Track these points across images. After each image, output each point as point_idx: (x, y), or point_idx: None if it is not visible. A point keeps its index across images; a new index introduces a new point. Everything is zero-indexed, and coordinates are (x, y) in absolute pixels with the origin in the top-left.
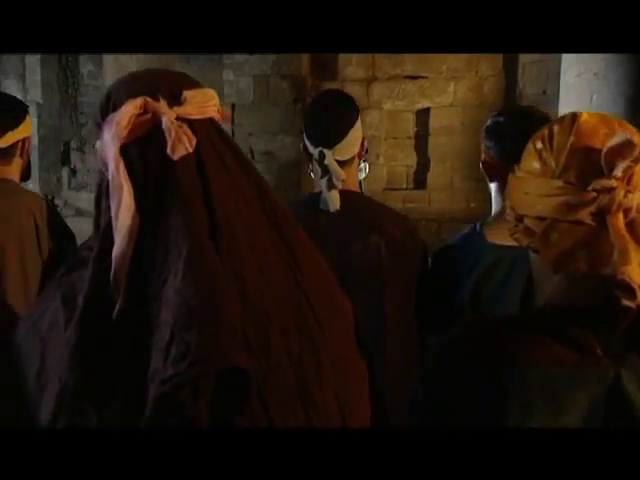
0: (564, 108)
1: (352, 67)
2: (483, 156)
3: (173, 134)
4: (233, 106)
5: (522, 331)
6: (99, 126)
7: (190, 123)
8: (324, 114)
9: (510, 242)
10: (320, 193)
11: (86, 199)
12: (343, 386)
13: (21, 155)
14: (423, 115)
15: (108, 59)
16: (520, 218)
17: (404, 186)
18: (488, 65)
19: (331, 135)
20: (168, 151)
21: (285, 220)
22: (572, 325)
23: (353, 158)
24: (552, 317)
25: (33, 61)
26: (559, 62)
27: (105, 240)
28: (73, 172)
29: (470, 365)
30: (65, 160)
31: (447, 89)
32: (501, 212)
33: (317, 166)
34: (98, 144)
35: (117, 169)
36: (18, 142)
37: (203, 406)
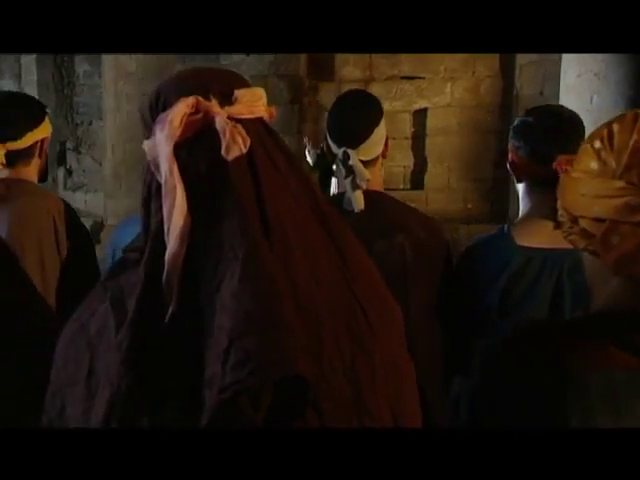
0: None
1: (349, 67)
2: (510, 156)
3: (228, 135)
4: None
5: (581, 335)
6: (147, 125)
7: (241, 123)
8: (348, 114)
9: (539, 244)
10: (343, 193)
11: (82, 199)
12: (395, 392)
13: (39, 156)
14: (420, 115)
15: (107, 59)
16: (575, 219)
17: (401, 187)
18: (485, 66)
19: (355, 135)
20: (222, 152)
21: (334, 221)
22: (633, 328)
23: (377, 158)
24: (611, 320)
25: (29, 61)
26: (556, 63)
27: (156, 242)
28: (69, 172)
29: (529, 367)
30: (61, 160)
31: (444, 90)
32: (529, 213)
33: (341, 166)
34: (146, 144)
35: (170, 170)
36: (37, 143)
37: (262, 413)
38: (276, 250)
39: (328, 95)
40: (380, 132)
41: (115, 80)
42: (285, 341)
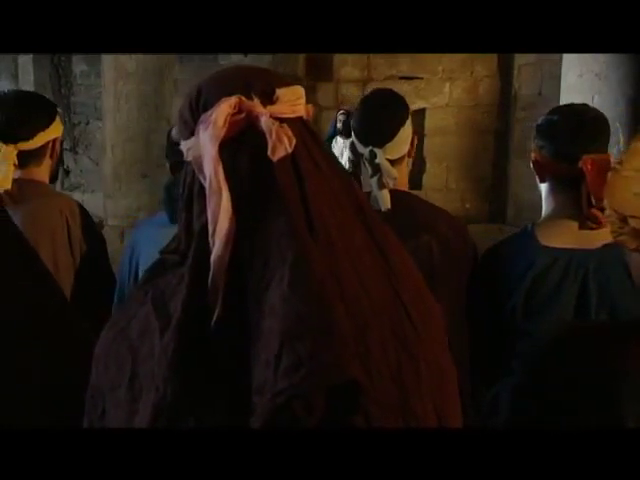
0: None
1: (348, 68)
2: (534, 155)
3: (274, 135)
4: None
5: (636, 335)
6: (186, 125)
7: (284, 122)
8: (375, 113)
9: (564, 244)
10: (369, 193)
11: (79, 199)
12: (440, 395)
13: (51, 156)
14: (418, 116)
15: (107, 59)
16: (624, 219)
17: None
18: (483, 66)
19: (382, 134)
20: (269, 152)
21: (376, 222)
22: None
23: (403, 157)
24: None
25: (26, 61)
26: (554, 63)
27: (200, 245)
28: (66, 172)
29: (582, 367)
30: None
31: (442, 90)
32: (553, 213)
33: (367, 165)
34: (185, 144)
35: (215, 171)
36: (48, 143)
37: (315, 418)
38: (321, 252)
39: (326, 95)
40: (406, 131)
41: (115, 80)
42: (338, 345)
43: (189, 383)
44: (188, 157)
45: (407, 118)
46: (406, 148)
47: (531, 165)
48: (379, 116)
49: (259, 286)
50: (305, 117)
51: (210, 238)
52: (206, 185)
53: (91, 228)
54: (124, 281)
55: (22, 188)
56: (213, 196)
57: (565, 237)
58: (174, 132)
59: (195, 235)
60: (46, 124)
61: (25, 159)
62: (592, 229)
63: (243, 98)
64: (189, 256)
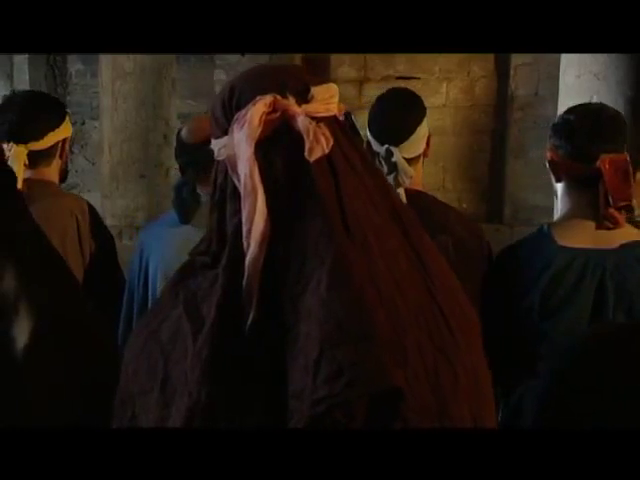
0: (564, 109)
1: (344, 68)
2: (550, 155)
3: (311, 135)
4: None
5: None
6: (218, 124)
7: (319, 122)
8: (392, 112)
9: (581, 244)
10: None
11: None
12: (476, 399)
13: (60, 156)
14: None
15: (104, 58)
16: None
17: None
18: (480, 66)
19: (399, 133)
20: (306, 153)
21: (411, 224)
22: None
23: (419, 156)
24: None
25: (21, 60)
26: (551, 64)
27: (234, 247)
28: None
29: (615, 369)
30: None
31: (439, 90)
32: (569, 213)
33: (383, 163)
34: (216, 143)
35: (251, 171)
36: (58, 143)
37: (356, 425)
38: (358, 255)
39: None
40: (423, 130)
41: (112, 80)
42: (379, 352)
43: (223, 387)
44: (219, 156)
45: (423, 117)
46: (422, 147)
47: (547, 165)
48: (396, 115)
49: (295, 289)
50: (338, 116)
51: (244, 239)
52: (240, 185)
53: (100, 227)
54: (133, 281)
55: (32, 188)
56: (248, 197)
57: (582, 237)
58: (184, 132)
59: (228, 236)
60: (56, 124)
61: (35, 159)
62: (609, 229)
63: (278, 97)
64: (222, 258)
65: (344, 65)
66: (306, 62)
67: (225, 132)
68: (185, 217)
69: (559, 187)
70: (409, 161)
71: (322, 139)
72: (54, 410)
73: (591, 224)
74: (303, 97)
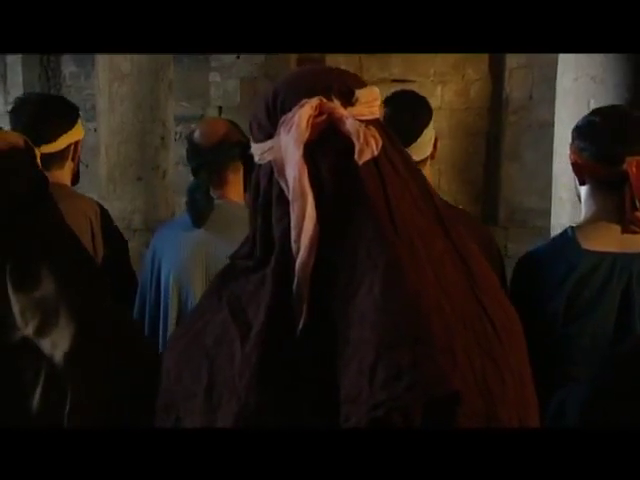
0: (561, 112)
1: None
2: (573, 157)
3: (361, 137)
4: (220, 108)
5: None
6: (261, 127)
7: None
8: (398, 114)
9: (606, 247)
10: None
11: None
12: (521, 402)
13: (73, 159)
14: None
15: (101, 60)
16: None
17: None
18: (474, 69)
19: (405, 135)
20: (355, 155)
21: (454, 227)
22: None
23: (426, 159)
24: None
25: (14, 61)
26: (545, 67)
27: (283, 251)
28: None
29: None
30: None
31: (434, 93)
32: (594, 216)
33: None
34: (258, 147)
35: (300, 175)
36: (70, 145)
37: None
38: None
39: None
40: (429, 133)
41: (109, 81)
42: (439, 356)
43: (272, 391)
44: (261, 160)
45: (430, 120)
46: (429, 150)
47: (570, 167)
48: (403, 117)
49: (346, 292)
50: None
51: (293, 243)
52: (289, 189)
53: (113, 229)
54: (146, 283)
55: None
56: (297, 200)
57: (608, 240)
58: (196, 135)
59: (276, 240)
60: (69, 127)
61: (48, 162)
62: (635, 233)
63: (324, 99)
64: (270, 261)
65: (339, 67)
66: (301, 64)
67: (269, 136)
68: (198, 220)
69: (583, 190)
70: (417, 163)
71: (372, 141)
72: (99, 413)
73: (616, 228)
74: (348, 100)
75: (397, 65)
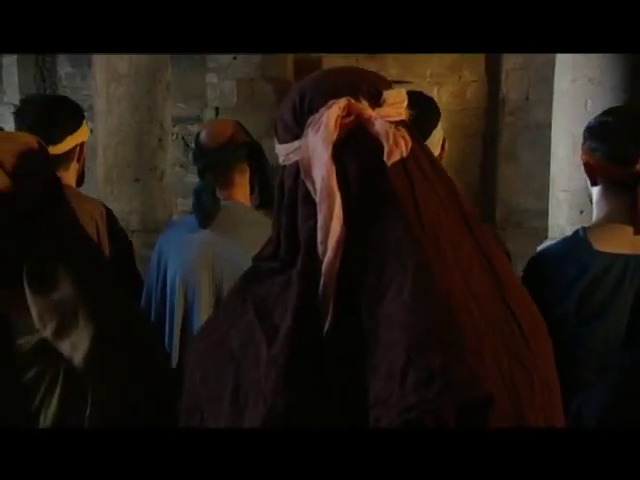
0: (558, 114)
1: None
2: (585, 158)
3: (391, 138)
4: (217, 109)
5: None
6: (287, 128)
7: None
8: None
9: (619, 249)
10: None
11: None
12: (549, 407)
13: (78, 160)
14: None
15: (98, 61)
16: None
17: None
18: (471, 71)
19: None
20: (384, 156)
21: (480, 229)
22: None
23: None
24: None
25: (9, 62)
26: (541, 68)
27: (309, 252)
28: None
29: None
30: None
31: (431, 94)
32: (606, 218)
33: None
34: (284, 147)
35: (329, 175)
36: (76, 147)
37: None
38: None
39: None
40: (438, 134)
41: (107, 82)
42: (471, 359)
43: (299, 394)
44: (287, 161)
45: (439, 120)
46: (437, 150)
47: (582, 167)
48: (411, 119)
49: (374, 294)
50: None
51: (320, 244)
52: (316, 189)
53: (118, 231)
54: (151, 284)
55: None
56: (324, 201)
57: (620, 242)
58: (203, 136)
59: (302, 241)
60: (74, 128)
61: (53, 163)
62: None
63: (352, 100)
64: (297, 263)
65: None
66: (298, 65)
67: (295, 137)
68: (205, 221)
69: (595, 191)
70: None
71: (401, 142)
72: (119, 413)
73: (629, 229)
74: (376, 101)
75: (393, 66)
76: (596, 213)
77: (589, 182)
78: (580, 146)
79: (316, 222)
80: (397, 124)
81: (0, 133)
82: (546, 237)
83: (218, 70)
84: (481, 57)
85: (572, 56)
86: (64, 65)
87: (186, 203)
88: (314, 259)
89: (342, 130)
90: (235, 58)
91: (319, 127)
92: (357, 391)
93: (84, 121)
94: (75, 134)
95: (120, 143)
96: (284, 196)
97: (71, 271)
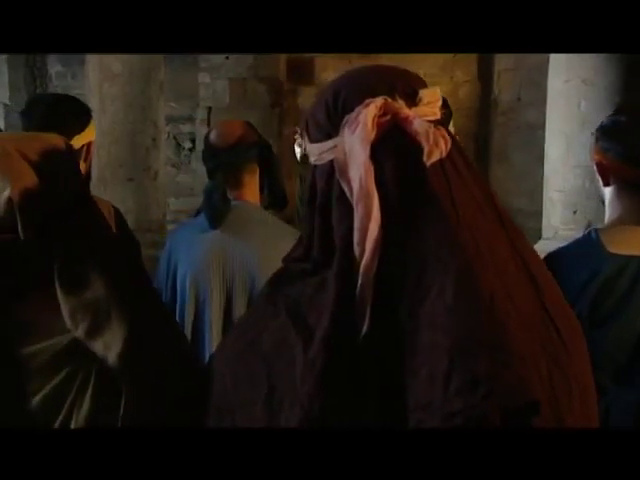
0: (552, 114)
1: (329, 71)
2: (597, 158)
3: (431, 138)
4: (209, 109)
5: None
6: (319, 127)
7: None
8: None
9: (633, 251)
10: None
11: None
12: (586, 413)
13: (85, 160)
14: None
15: (92, 60)
16: None
17: None
18: (463, 71)
19: None
20: (424, 156)
21: (515, 231)
22: None
23: None
24: None
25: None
26: (533, 69)
27: (345, 253)
28: None
29: None
30: None
31: None
32: (619, 219)
33: None
34: (315, 147)
35: (367, 176)
36: (83, 146)
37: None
38: None
39: (308, 99)
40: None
41: (100, 82)
42: (518, 364)
43: (336, 397)
44: (319, 160)
45: (450, 119)
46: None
47: (594, 168)
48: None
49: (413, 296)
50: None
51: (357, 246)
52: (352, 190)
53: (126, 231)
54: (161, 284)
55: None
56: (362, 202)
57: (634, 244)
58: (212, 136)
59: (337, 242)
60: (82, 127)
61: None
62: None
63: (389, 99)
64: (333, 265)
65: (329, 69)
66: (290, 65)
67: (328, 136)
68: (215, 222)
69: (607, 191)
70: None
71: (441, 142)
72: (153, 412)
73: None
74: (412, 100)
75: None
76: (608, 214)
77: (601, 182)
78: (573, 146)
79: (352, 223)
80: (433, 124)
81: (28, 133)
82: (539, 237)
83: (210, 70)
84: (473, 58)
85: (566, 57)
86: (54, 64)
87: (178, 203)
88: (350, 260)
89: (379, 130)
90: (227, 58)
91: (356, 126)
92: (394, 393)
93: (91, 121)
94: (82, 134)
95: (113, 142)
96: (316, 196)
97: (102, 270)
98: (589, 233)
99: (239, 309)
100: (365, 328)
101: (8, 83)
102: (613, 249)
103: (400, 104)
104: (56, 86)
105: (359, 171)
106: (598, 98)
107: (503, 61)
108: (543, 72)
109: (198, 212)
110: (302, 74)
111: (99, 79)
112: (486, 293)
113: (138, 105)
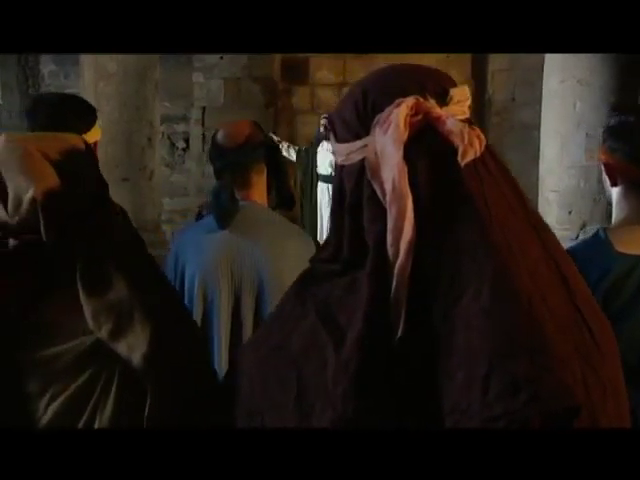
0: (547, 114)
1: (324, 71)
2: (604, 158)
3: (466, 138)
4: (204, 109)
5: None
6: (348, 127)
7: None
8: None
9: None
10: None
11: None
12: (619, 415)
13: None
14: None
15: (87, 59)
16: None
17: None
18: (458, 71)
19: None
20: (459, 156)
21: (546, 231)
22: None
23: None
24: None
25: None
26: (527, 70)
27: (378, 254)
28: None
29: None
30: None
31: None
32: (628, 219)
33: None
34: (343, 147)
35: (400, 176)
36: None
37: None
38: None
39: (302, 98)
40: None
41: (95, 81)
42: (559, 368)
43: (369, 399)
44: (347, 160)
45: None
46: None
47: (602, 168)
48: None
49: (448, 297)
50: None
51: (390, 247)
52: (385, 190)
53: (131, 231)
54: None
55: None
56: (396, 202)
57: None
58: (220, 136)
59: (370, 243)
60: (87, 127)
61: None
62: None
63: (420, 99)
64: (367, 266)
65: (323, 69)
66: (285, 65)
67: (356, 136)
68: (223, 222)
69: (615, 191)
70: None
71: (476, 142)
72: (178, 413)
73: None
74: (443, 99)
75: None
76: (616, 214)
77: (609, 183)
78: (568, 146)
79: (385, 223)
80: (465, 123)
81: (48, 133)
82: None
83: (204, 69)
84: (467, 58)
85: (561, 57)
86: (47, 63)
87: (172, 203)
88: (384, 261)
89: (411, 130)
90: (222, 58)
91: (388, 126)
92: (430, 396)
93: (96, 121)
94: (87, 134)
95: (109, 142)
96: (345, 197)
97: (124, 271)
98: (597, 233)
99: (247, 309)
100: (400, 329)
101: (0, 82)
102: (622, 249)
103: (431, 103)
104: (48, 85)
105: (392, 172)
106: (593, 98)
107: (497, 61)
108: (537, 72)
109: (199, 213)
110: (296, 74)
111: (94, 78)
112: (523, 295)
113: (133, 104)
